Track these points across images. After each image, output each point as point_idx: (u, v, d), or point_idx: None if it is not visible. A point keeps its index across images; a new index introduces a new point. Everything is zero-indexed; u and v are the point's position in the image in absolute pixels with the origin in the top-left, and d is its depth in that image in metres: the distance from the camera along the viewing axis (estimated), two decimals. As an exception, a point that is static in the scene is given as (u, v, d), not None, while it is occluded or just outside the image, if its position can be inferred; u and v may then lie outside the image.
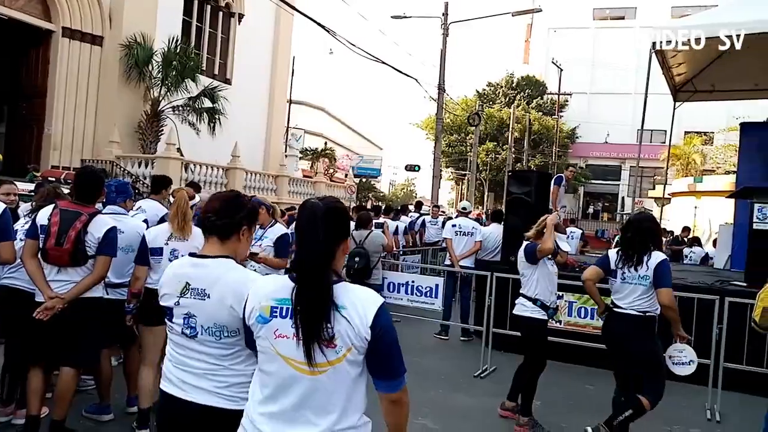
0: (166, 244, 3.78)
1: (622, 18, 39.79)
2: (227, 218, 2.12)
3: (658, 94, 10.53)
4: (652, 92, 7.97)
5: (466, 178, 34.25)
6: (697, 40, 7.19)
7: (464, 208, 8.46)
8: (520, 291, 4.65)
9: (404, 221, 11.50)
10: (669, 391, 3.93)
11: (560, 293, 6.27)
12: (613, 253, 4.04)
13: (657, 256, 3.81)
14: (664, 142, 13.22)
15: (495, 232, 8.01)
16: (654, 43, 7.35)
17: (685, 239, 14.43)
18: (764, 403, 3.95)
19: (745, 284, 6.21)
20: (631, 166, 36.53)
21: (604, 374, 5.57)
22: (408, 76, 18.10)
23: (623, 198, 37.45)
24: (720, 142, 31.91)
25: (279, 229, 4.96)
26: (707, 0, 23.21)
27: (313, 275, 1.62)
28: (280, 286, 1.70)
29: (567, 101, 37.94)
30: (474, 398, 5.14)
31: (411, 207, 15.37)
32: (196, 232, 3.64)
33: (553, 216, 4.62)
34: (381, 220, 9.58)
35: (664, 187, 14.10)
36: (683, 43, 7.47)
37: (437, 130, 19.95)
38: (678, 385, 4.55)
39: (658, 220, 15.23)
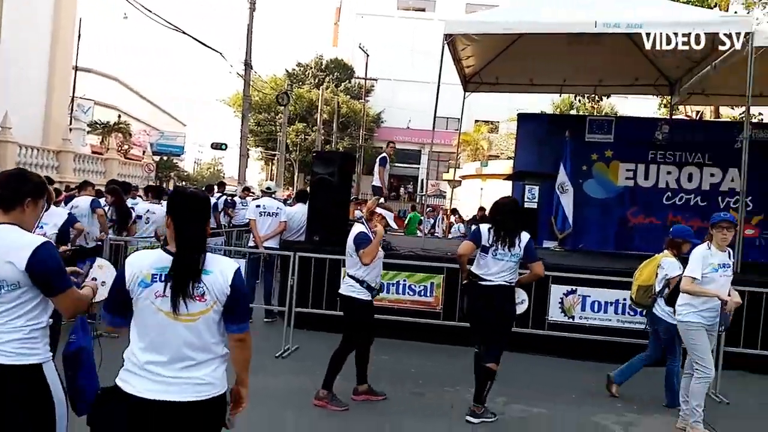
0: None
1: (423, 10, 42.32)
2: (10, 191, 2.37)
3: (454, 84, 11.38)
4: (449, 82, 8.60)
5: (276, 158, 33.87)
6: (486, 35, 7.94)
7: (269, 188, 8.34)
8: (348, 271, 4.66)
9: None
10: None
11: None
12: (485, 231, 4.38)
13: (524, 237, 4.34)
14: (458, 129, 14.47)
15: (300, 212, 8.01)
16: (446, 35, 7.87)
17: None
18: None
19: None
20: (429, 151, 39.26)
21: (400, 344, 5.93)
22: (212, 49, 17.24)
23: (422, 180, 40.19)
24: (504, 130, 35.72)
25: (58, 213, 4.45)
26: (498, 0, 25.77)
27: (192, 250, 2.17)
28: (157, 258, 2.19)
29: (373, 86, 39.42)
30: (276, 378, 5.10)
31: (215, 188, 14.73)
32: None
33: (372, 201, 4.87)
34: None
35: (455, 170, 15.38)
36: (472, 36, 8.15)
37: (244, 107, 19.38)
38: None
39: (450, 201, 16.46)
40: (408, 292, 6.51)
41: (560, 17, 7.60)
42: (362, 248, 4.37)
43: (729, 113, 20.60)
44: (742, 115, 11.19)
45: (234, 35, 30.22)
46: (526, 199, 8.27)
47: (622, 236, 10.57)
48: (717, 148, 10.21)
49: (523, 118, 11.25)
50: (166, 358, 2.13)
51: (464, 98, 11.59)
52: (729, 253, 4.46)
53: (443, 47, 7.92)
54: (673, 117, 13.11)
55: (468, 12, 33.81)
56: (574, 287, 6.26)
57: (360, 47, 35.84)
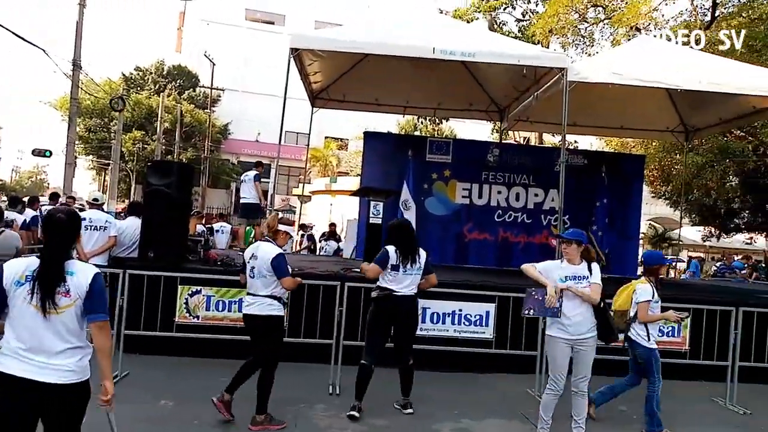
0: None
1: (272, 23, 41.95)
2: None
3: (304, 99, 11.36)
4: (299, 97, 8.52)
5: (110, 168, 31.23)
6: (332, 53, 8.03)
7: (96, 200, 7.58)
8: (266, 293, 4.59)
9: (28, 215, 9.69)
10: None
11: (199, 288, 6.18)
12: (392, 253, 4.99)
13: (422, 253, 5.11)
14: (307, 145, 14.37)
15: (132, 225, 7.37)
16: (292, 49, 7.84)
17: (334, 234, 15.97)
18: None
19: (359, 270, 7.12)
20: (279, 165, 38.79)
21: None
22: (33, 45, 15.48)
23: (272, 195, 39.57)
24: (354, 148, 36.49)
25: None
26: (346, 19, 26.31)
27: (57, 257, 2.67)
28: (31, 262, 2.67)
29: (220, 96, 38.08)
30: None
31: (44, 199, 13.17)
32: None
33: (273, 217, 5.04)
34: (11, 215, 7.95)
35: (303, 186, 15.35)
36: (318, 52, 8.20)
37: (72, 111, 17.61)
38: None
39: (299, 216, 16.33)
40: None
41: (402, 41, 7.93)
42: (282, 275, 4.56)
43: (551, 140, 23.00)
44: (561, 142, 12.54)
45: (63, 31, 27.40)
46: (371, 215, 8.43)
47: (459, 251, 11.21)
48: (540, 171, 11.28)
49: (370, 137, 11.54)
50: (36, 345, 2.59)
51: (312, 114, 11.63)
52: (589, 267, 4.61)
53: (289, 61, 7.87)
54: (504, 141, 14.28)
55: (317, 29, 34.19)
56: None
57: (206, 55, 34.51)
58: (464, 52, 7.92)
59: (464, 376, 5.55)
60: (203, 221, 13.55)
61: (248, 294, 4.67)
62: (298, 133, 34.87)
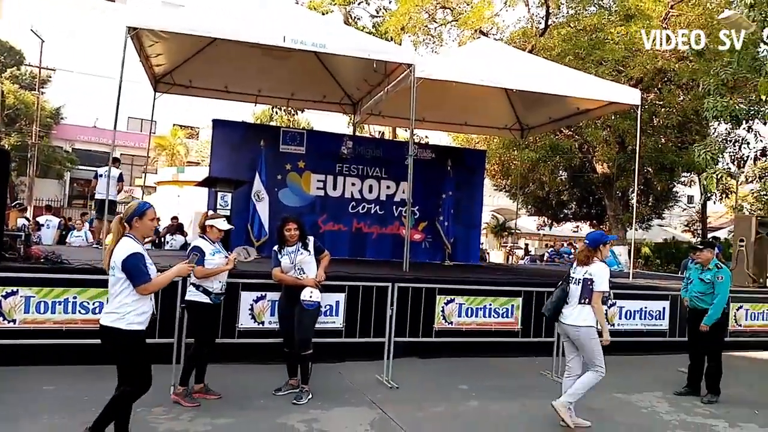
0: None
1: (113, 0, 38.66)
2: None
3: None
4: (143, 81, 7.86)
5: None
6: (171, 33, 7.55)
7: None
8: (189, 280, 5.07)
9: None
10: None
11: (15, 288, 5.52)
12: (276, 249, 5.41)
13: (311, 239, 5.44)
14: (152, 132, 13.40)
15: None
16: (130, 28, 7.24)
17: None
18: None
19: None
20: (121, 154, 35.97)
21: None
22: None
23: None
24: (205, 137, 34.88)
25: None
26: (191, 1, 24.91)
27: None
28: None
29: (50, 77, 34.30)
30: None
31: None
32: None
33: (203, 216, 5.33)
34: None
35: (145, 175, 14.37)
36: (160, 33, 7.67)
37: None
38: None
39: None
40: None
41: (252, 27, 7.68)
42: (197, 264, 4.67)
43: (404, 134, 23.77)
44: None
45: None
46: (219, 206, 8.12)
47: (313, 242, 11.19)
48: (391, 164, 11.60)
49: (219, 125, 11.05)
50: None
51: (155, 98, 10.89)
52: (586, 270, 4.94)
53: (126, 41, 7.27)
54: (358, 134, 14.47)
55: (164, 7, 32.12)
56: (264, 293, 6.33)
57: (32, 31, 30.87)
58: (315, 43, 7.87)
59: (314, 367, 5.53)
60: (27, 214, 12.14)
61: (191, 284, 5.09)
62: (142, 119, 32.61)
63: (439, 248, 11.73)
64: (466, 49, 12.30)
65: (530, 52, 17.63)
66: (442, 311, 7.11)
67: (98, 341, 3.80)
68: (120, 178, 11.21)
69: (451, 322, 7.14)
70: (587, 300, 4.88)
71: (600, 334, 4.90)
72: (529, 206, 26.20)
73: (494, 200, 27.75)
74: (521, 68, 9.45)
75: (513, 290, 7.49)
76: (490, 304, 7.33)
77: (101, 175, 10.74)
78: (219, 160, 10.66)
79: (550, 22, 20.90)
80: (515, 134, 13.94)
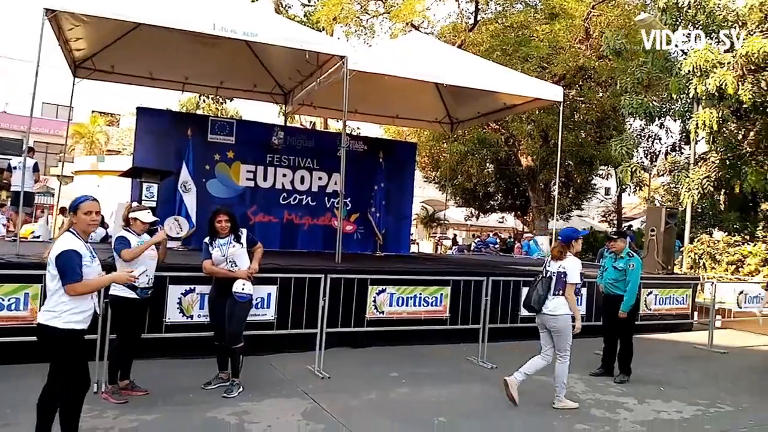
0: None
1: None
2: None
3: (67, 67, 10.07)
4: (60, 65, 7.44)
5: None
6: (97, 18, 7.24)
7: None
8: None
9: None
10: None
11: None
12: (207, 241, 5.31)
13: (243, 231, 5.41)
14: (69, 119, 12.67)
15: None
16: (47, 10, 6.86)
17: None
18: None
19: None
20: (35, 141, 33.89)
21: None
22: None
23: (22, 174, 34.40)
24: (127, 124, 33.42)
25: None
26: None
27: None
28: None
29: (-46, 57, 31.83)
30: None
31: None
32: None
33: (125, 209, 5.22)
34: None
35: (62, 164, 13.66)
36: (80, 16, 7.33)
37: None
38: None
39: (58, 199, 14.54)
40: None
41: (180, 13, 7.46)
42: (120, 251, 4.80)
43: (335, 125, 23.72)
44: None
45: None
46: (144, 198, 7.86)
47: (244, 234, 11.04)
48: (324, 155, 11.60)
49: (143, 113, 10.66)
50: None
51: (74, 84, 10.38)
52: (560, 264, 5.38)
53: (43, 23, 6.89)
54: (290, 124, 14.34)
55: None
56: (193, 286, 6.22)
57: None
58: (246, 32, 7.75)
59: (246, 359, 5.50)
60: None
61: None
62: (58, 105, 30.82)
63: (371, 239, 11.87)
64: (399, 43, 12.44)
65: (460, 46, 18.04)
66: (374, 301, 7.23)
67: (12, 338, 3.64)
68: (35, 168, 10.80)
69: (383, 312, 7.28)
70: (561, 291, 5.32)
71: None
72: (458, 198, 26.87)
73: (424, 192, 28.24)
74: (452, 63, 9.67)
75: (442, 279, 7.72)
76: (421, 293, 7.52)
77: (15, 167, 10.27)
78: (143, 150, 10.31)
79: (479, 17, 21.41)
80: (445, 127, 14.25)
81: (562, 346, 5.37)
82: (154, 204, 7.76)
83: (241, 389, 5.19)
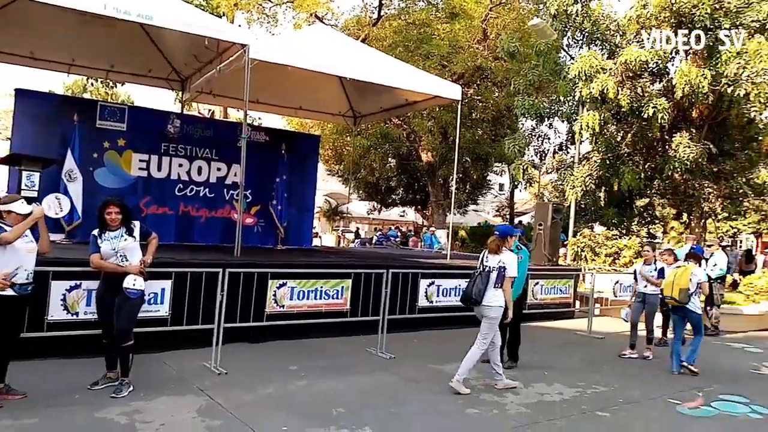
0: None
1: None
2: None
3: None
4: None
5: None
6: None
7: None
8: None
9: None
10: None
11: None
12: (95, 234, 5.02)
13: (136, 223, 5.18)
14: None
15: None
16: None
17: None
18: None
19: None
20: None
21: None
22: None
23: None
24: (3, 106, 30.60)
25: None
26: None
27: None
28: None
29: None
30: None
31: None
32: None
33: (39, 209, 4.77)
34: None
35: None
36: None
37: None
38: None
39: None
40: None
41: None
42: None
43: (236, 115, 23.11)
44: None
45: None
46: (24, 187, 7.26)
47: (135, 226, 10.52)
48: (223, 145, 11.28)
49: (23, 95, 9.81)
50: None
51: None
52: (499, 259, 5.75)
53: None
54: (187, 112, 13.80)
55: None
56: (79, 281, 5.87)
57: None
58: (141, 14, 7.37)
59: (138, 357, 5.28)
60: None
61: None
62: None
63: (272, 232, 11.72)
64: (303, 34, 12.34)
65: (363, 40, 18.19)
66: (274, 295, 7.18)
67: None
68: None
69: (283, 306, 7.24)
70: (500, 284, 5.70)
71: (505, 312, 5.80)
72: (360, 191, 27.13)
73: (327, 185, 28.23)
74: (355, 58, 9.75)
75: (343, 272, 7.80)
76: (322, 287, 7.55)
77: None
78: (23, 135, 9.53)
79: (383, 12, 21.67)
80: (348, 121, 14.32)
81: (486, 333, 5.73)
82: (35, 194, 7.20)
83: (131, 388, 4.98)
